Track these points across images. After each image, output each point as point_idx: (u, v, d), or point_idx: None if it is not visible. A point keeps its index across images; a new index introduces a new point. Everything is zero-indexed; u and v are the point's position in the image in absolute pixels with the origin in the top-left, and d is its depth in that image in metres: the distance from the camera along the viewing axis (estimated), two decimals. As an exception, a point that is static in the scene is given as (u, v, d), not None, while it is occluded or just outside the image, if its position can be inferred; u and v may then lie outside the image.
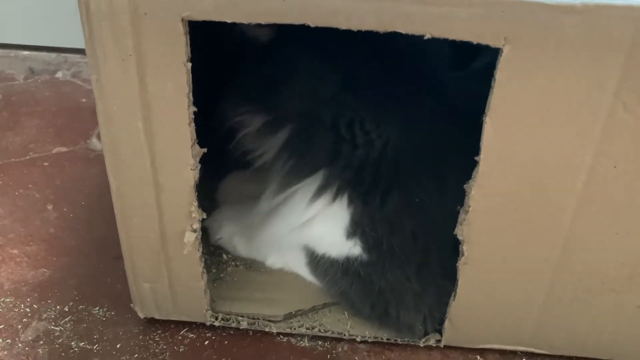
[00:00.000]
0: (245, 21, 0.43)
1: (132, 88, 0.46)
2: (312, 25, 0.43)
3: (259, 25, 0.44)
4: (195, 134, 0.49)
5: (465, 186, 0.50)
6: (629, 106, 0.44)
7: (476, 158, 0.48)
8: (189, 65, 0.45)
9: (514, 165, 0.48)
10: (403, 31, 0.43)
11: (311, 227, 0.59)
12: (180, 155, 0.49)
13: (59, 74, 1.13)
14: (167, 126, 0.48)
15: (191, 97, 0.47)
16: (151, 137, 0.49)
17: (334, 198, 0.56)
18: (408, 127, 0.55)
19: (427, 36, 0.43)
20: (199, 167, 0.50)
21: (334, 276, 0.60)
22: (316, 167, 0.56)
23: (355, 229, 0.56)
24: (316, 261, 0.61)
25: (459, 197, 0.51)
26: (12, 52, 1.18)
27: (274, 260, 0.67)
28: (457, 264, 0.54)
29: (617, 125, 0.45)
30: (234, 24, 0.43)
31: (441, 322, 0.59)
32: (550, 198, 0.49)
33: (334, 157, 0.55)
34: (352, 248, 0.58)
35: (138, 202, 0.53)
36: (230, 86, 0.59)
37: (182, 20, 0.43)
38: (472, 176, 0.49)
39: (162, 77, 0.46)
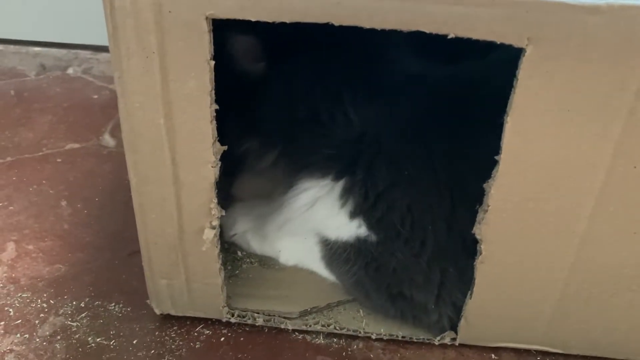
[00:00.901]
0: (269, 19, 0.43)
1: (154, 85, 0.47)
2: (336, 24, 0.43)
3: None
4: (216, 132, 0.49)
5: (484, 185, 0.50)
6: (650, 107, 0.45)
7: (496, 157, 0.48)
8: (212, 63, 0.45)
9: (533, 165, 0.48)
10: (426, 30, 0.43)
11: (315, 211, 0.60)
12: (201, 153, 0.50)
13: (70, 70, 1.13)
14: (189, 123, 0.48)
15: (213, 95, 0.47)
16: (172, 134, 0.49)
17: (324, 178, 0.59)
18: (389, 111, 0.57)
19: (451, 35, 0.43)
20: (219, 165, 0.51)
21: (347, 262, 0.60)
22: (308, 159, 0.60)
23: (355, 208, 0.58)
24: (330, 250, 0.62)
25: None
26: (24, 49, 1.19)
27: (287, 257, 0.67)
28: (468, 260, 0.54)
29: (637, 126, 0.45)
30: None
31: (452, 306, 0.59)
32: (569, 197, 0.49)
33: (317, 144, 0.59)
34: (359, 229, 0.58)
35: (157, 199, 0.53)
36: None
37: (206, 18, 0.43)
38: (492, 175, 0.49)
39: (184, 74, 0.46)
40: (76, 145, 0.91)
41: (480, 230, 0.52)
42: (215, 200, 0.52)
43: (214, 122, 0.48)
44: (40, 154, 0.88)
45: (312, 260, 0.65)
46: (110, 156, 0.89)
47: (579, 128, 0.46)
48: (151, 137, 0.49)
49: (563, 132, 0.46)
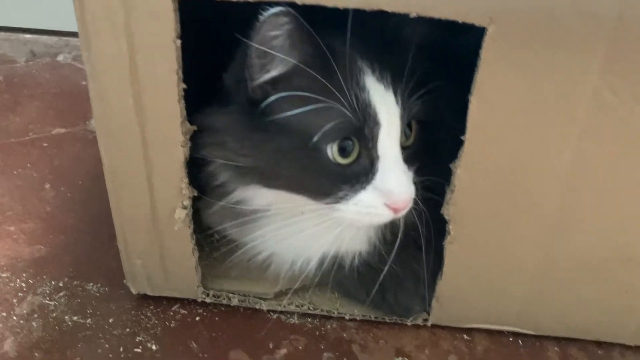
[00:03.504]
0: (232, -2, 0.43)
1: (122, 65, 0.47)
2: (299, 3, 0.43)
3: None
4: (185, 111, 0.49)
5: (451, 165, 0.50)
6: (614, 87, 0.45)
7: (462, 137, 0.48)
8: (179, 42, 0.46)
9: (499, 145, 0.48)
10: (389, 9, 0.43)
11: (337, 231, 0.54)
12: (170, 132, 0.50)
13: (60, 57, 1.14)
14: (158, 103, 0.49)
15: (181, 74, 0.47)
16: (142, 114, 0.50)
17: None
18: None
19: (413, 15, 0.43)
20: (189, 145, 0.51)
21: (332, 266, 0.59)
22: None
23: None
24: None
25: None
26: (14, 36, 1.19)
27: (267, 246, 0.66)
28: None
29: (601, 106, 0.46)
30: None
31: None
32: (536, 178, 0.50)
33: None
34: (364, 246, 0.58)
35: (130, 179, 0.54)
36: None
37: (171, -3, 0.44)
38: (458, 155, 0.49)
39: (152, 54, 0.47)
40: (63, 130, 0.92)
41: (448, 210, 0.52)
42: (186, 180, 0.53)
43: (182, 101, 0.49)
44: (27, 138, 0.89)
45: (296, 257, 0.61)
46: (96, 141, 0.88)
47: (544, 108, 0.46)
48: (121, 117, 0.50)
49: (528, 112, 0.47)
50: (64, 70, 1.10)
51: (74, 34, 1.18)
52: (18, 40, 1.18)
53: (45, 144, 0.88)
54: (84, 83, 1.05)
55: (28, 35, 1.19)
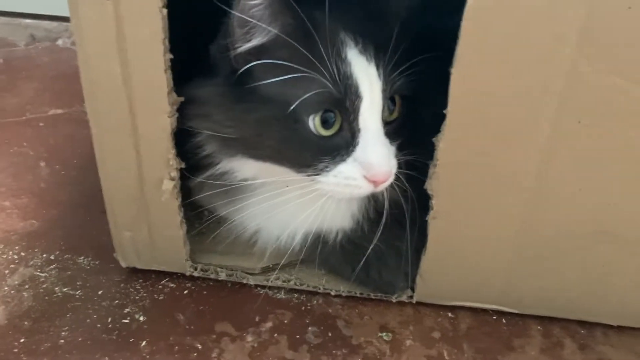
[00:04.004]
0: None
1: (109, 33, 0.48)
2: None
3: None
4: (172, 82, 0.50)
5: (433, 139, 0.51)
6: (591, 60, 0.45)
7: (444, 111, 0.49)
8: (165, 11, 0.46)
9: (480, 119, 0.49)
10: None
11: (320, 204, 0.54)
12: (157, 102, 0.51)
13: (60, 42, 1.15)
14: (144, 72, 0.49)
15: (167, 44, 0.48)
16: (129, 83, 0.50)
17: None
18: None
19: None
20: (176, 115, 0.52)
21: (312, 245, 0.60)
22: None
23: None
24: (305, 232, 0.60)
25: None
26: (15, 20, 1.20)
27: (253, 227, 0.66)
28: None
29: (579, 80, 0.46)
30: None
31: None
32: (516, 152, 0.50)
33: None
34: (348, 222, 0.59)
35: (118, 149, 0.55)
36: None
37: (158, -35, 0.44)
38: (440, 129, 0.50)
39: (138, 22, 0.47)
40: (59, 111, 0.93)
41: (431, 185, 0.53)
42: (174, 151, 0.53)
43: (169, 71, 0.49)
44: (24, 118, 0.90)
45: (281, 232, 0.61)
46: (92, 122, 0.90)
47: (523, 81, 0.47)
48: (108, 86, 0.51)
49: (508, 84, 0.47)
50: (62, 54, 1.11)
51: (74, 19, 1.20)
52: (19, 25, 1.19)
53: (41, 124, 0.89)
54: (82, 67, 1.06)
55: (29, 20, 1.20)
